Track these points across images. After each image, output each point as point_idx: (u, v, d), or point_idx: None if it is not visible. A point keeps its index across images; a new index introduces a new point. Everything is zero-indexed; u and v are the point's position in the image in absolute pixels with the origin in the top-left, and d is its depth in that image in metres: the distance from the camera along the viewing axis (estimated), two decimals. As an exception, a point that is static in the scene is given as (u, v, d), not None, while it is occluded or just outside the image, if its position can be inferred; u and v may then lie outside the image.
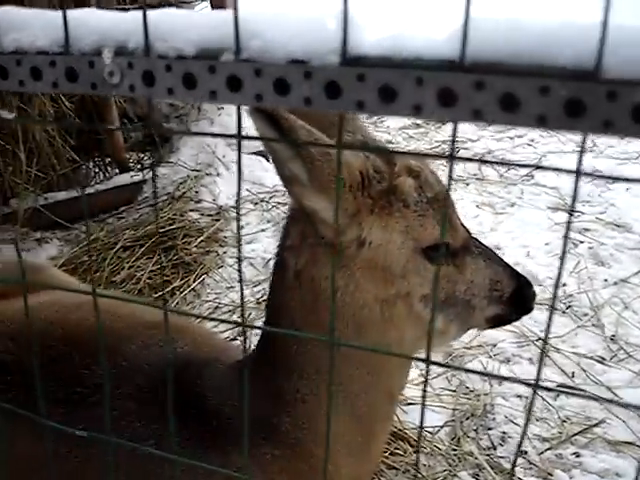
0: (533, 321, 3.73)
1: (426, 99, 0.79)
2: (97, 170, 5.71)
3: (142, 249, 4.79)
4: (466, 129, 6.65)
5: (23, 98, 4.73)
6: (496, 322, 1.86)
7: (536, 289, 3.73)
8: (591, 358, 3.45)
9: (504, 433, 3.04)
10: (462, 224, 1.82)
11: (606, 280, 4.05)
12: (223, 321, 1.08)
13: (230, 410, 1.87)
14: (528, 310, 1.92)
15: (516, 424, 3.07)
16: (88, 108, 5.36)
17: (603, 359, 3.44)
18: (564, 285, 4.02)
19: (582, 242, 4.44)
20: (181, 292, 4.34)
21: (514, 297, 1.84)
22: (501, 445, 2.98)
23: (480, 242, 1.88)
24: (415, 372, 3.40)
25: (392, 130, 6.85)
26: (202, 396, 1.90)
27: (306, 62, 0.86)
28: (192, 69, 0.93)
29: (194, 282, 4.46)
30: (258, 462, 1.84)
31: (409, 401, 3.21)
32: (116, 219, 5.31)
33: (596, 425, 3.05)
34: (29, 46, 1.07)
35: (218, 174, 5.45)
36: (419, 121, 7.02)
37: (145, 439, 1.83)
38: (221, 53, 0.92)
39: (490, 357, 3.49)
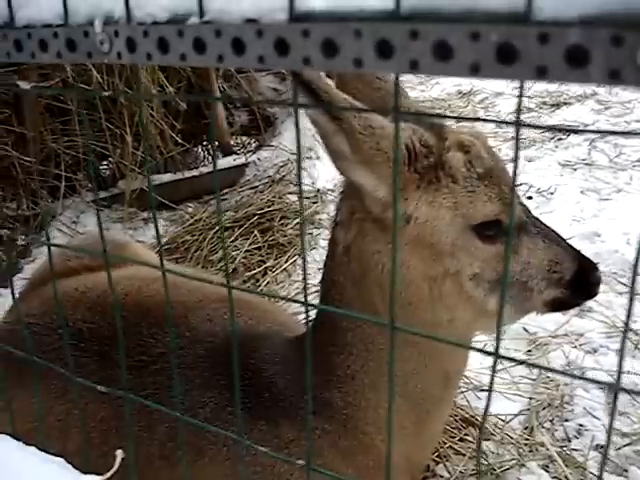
0: (625, 311, 3.53)
1: (365, 52, 0.77)
2: (202, 153, 5.88)
3: (240, 230, 4.90)
4: (583, 113, 6.39)
5: (129, 81, 4.92)
6: (556, 306, 1.77)
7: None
8: (686, 352, 3.25)
9: (581, 426, 2.92)
10: (520, 202, 1.76)
11: None
12: (287, 299, 1.10)
13: (284, 382, 1.91)
14: (591, 295, 1.81)
15: (595, 417, 2.94)
16: (191, 92, 5.52)
17: (700, 353, 3.23)
18: (666, 275, 3.78)
19: (690, 230, 4.17)
20: (273, 272, 4.42)
21: (575, 280, 1.73)
22: (576, 438, 2.86)
23: (542, 222, 1.80)
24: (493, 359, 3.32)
25: (503, 114, 6.67)
26: (258, 368, 1.94)
27: (257, 20, 0.86)
28: (164, 33, 0.96)
29: (286, 262, 4.52)
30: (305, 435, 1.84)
31: (484, 387, 3.14)
32: (220, 201, 5.44)
33: (683, 422, 2.87)
34: (37, 20, 1.13)
35: (318, 157, 5.49)
36: (531, 104, 6.80)
37: (202, 407, 1.90)
38: (188, 17, 0.94)
39: (575, 347, 3.35)
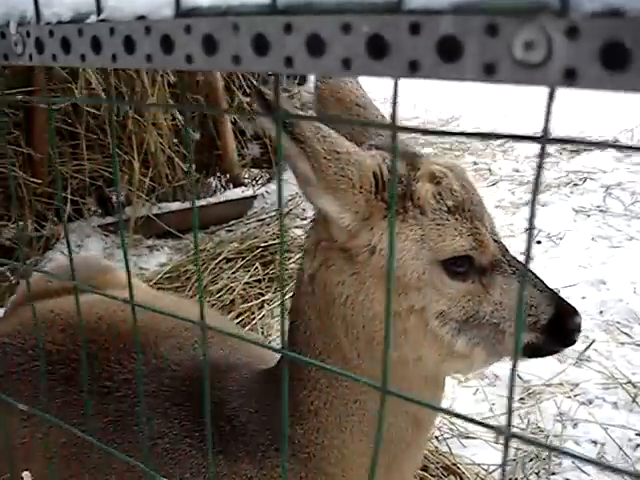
0: (626, 361, 3.40)
1: (243, 48, 0.72)
2: (215, 184, 5.87)
3: (243, 262, 4.85)
4: (602, 160, 6.27)
5: (136, 110, 4.93)
6: (530, 352, 1.65)
7: (636, 328, 3.47)
8: (686, 408, 3.08)
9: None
10: (497, 239, 1.67)
11: None
12: (262, 345, 1.02)
13: (246, 416, 1.84)
14: (569, 342, 1.68)
15: (584, 472, 2.79)
16: (206, 124, 5.53)
17: (700, 410, 3.07)
18: (673, 326, 3.65)
19: None
20: (270, 305, 4.34)
21: (552, 325, 1.63)
22: (566, 489, 2.72)
23: (520, 262, 1.71)
24: (485, 406, 3.19)
25: (521, 158, 6.57)
26: (221, 400, 1.87)
27: (146, 17, 0.82)
28: (67, 33, 0.93)
29: (285, 296, 4.43)
30: (269, 474, 1.80)
31: (470, 435, 3.00)
32: (225, 231, 5.42)
33: (676, 482, 2.70)
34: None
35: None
36: (551, 150, 6.70)
37: (161, 437, 1.84)
38: (89, 15, 0.91)
39: (569, 397, 3.20)
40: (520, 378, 3.35)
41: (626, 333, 3.62)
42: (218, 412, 1.85)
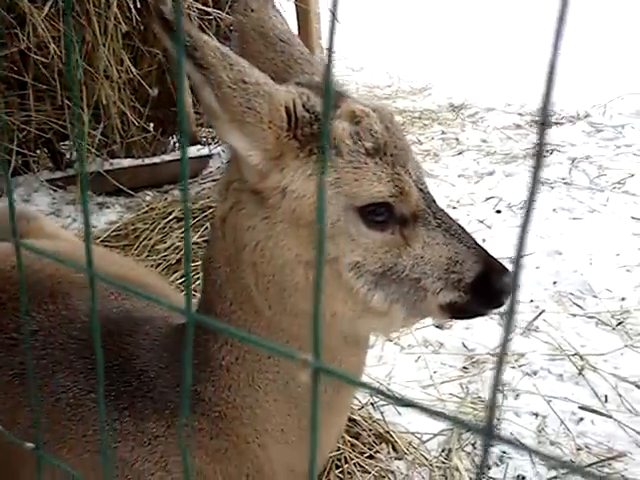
0: (575, 334, 3.29)
1: None
2: (172, 142, 5.66)
3: (193, 221, 4.69)
4: (573, 134, 6.14)
5: (90, 57, 4.71)
6: (454, 312, 1.54)
7: (589, 300, 3.34)
8: (633, 383, 2.96)
9: (504, 453, 2.65)
10: (422, 189, 1.53)
11: (676, 299, 3.53)
12: (170, 307, 0.87)
13: (156, 372, 1.72)
14: (496, 304, 1.56)
15: (522, 444, 2.67)
16: (164, 79, 5.31)
17: (647, 385, 2.96)
18: (622, 299, 3.52)
19: (660, 255, 3.91)
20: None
21: (478, 284, 1.50)
22: (497, 465, 2.60)
23: (448, 216, 1.56)
24: (425, 374, 3.06)
25: (490, 129, 6.42)
26: (130, 354, 1.77)
27: None
28: None
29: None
30: (177, 433, 1.67)
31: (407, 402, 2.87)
32: (179, 190, 5.24)
33: (615, 458, 2.59)
34: None
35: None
36: (521, 122, 6.56)
37: (65, 391, 1.73)
38: None
39: (514, 367, 3.08)
40: (464, 346, 3.23)
41: (578, 305, 3.50)
42: (127, 367, 1.73)
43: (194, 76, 1.33)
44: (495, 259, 1.55)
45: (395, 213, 1.47)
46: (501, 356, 0.54)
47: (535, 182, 0.47)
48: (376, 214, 1.45)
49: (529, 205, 0.48)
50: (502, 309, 1.59)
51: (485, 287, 1.51)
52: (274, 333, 1.58)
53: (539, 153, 0.47)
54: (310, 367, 0.56)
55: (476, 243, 1.55)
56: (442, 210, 1.56)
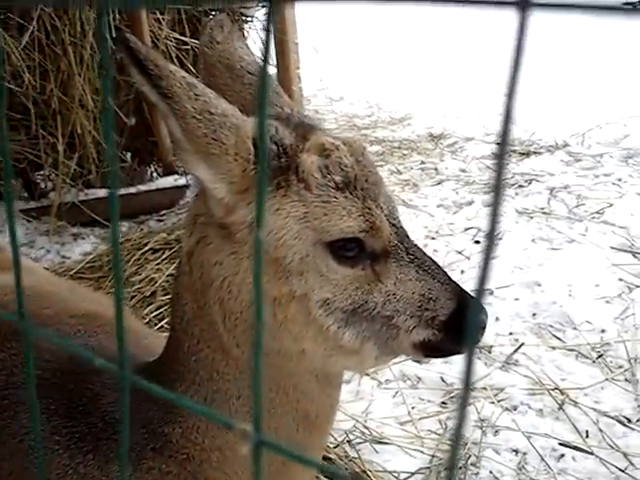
0: (555, 367, 3.23)
1: None
2: (150, 172, 5.61)
3: (169, 253, 4.62)
4: (551, 163, 6.14)
5: (66, 88, 4.66)
6: (428, 350, 1.49)
7: (568, 332, 3.30)
8: (614, 418, 2.91)
9: (484, 491, 2.58)
10: (395, 224, 1.48)
11: (654, 331, 3.49)
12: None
13: (120, 413, 1.65)
14: (470, 342, 1.51)
15: (501, 482, 2.61)
16: (142, 108, 5.27)
17: (629, 420, 2.90)
18: (602, 331, 3.48)
19: (638, 287, 3.87)
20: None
21: (452, 321, 1.46)
22: (477, 503, 2.53)
23: (421, 251, 1.51)
24: (403, 409, 2.99)
25: (469, 159, 6.41)
26: (95, 394, 1.69)
27: None
28: None
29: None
30: (143, 477, 1.60)
31: (384, 440, 2.80)
32: (155, 221, 5.18)
33: (597, 496, 2.53)
34: None
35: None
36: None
37: (27, 433, 1.66)
38: None
39: (493, 402, 3.02)
40: (443, 381, 3.17)
41: (558, 337, 3.46)
42: (92, 407, 1.66)
43: (160, 105, 1.29)
44: (470, 295, 1.50)
45: (366, 248, 1.42)
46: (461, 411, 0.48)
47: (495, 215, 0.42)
48: (346, 249, 1.40)
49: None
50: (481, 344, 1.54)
51: (460, 325, 1.46)
52: (243, 373, 1.52)
53: (497, 184, 0.42)
54: (251, 441, 0.50)
55: (450, 279, 1.51)
56: (415, 245, 1.51)
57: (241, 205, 1.39)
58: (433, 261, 1.51)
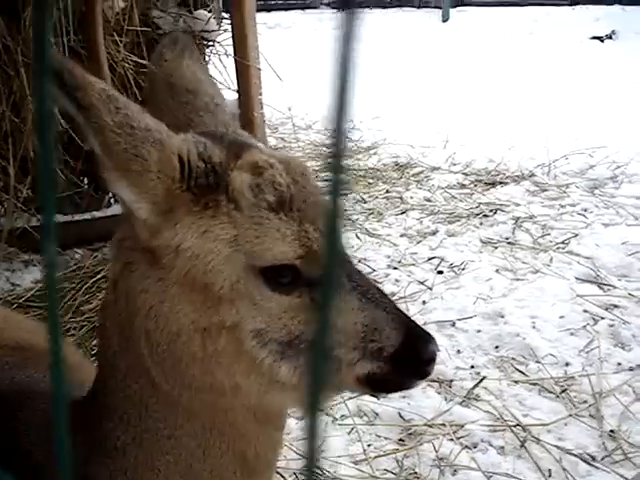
0: (517, 402, 3.11)
1: None
2: (102, 197, 5.44)
3: (120, 282, 4.46)
4: (517, 193, 6.08)
5: (18, 109, 4.51)
6: (372, 384, 1.37)
7: (531, 366, 3.18)
8: (578, 456, 2.79)
9: (441, 535, 2.43)
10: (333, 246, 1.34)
11: (619, 364, 3.38)
12: None
13: (45, 452, 1.50)
14: (421, 375, 1.41)
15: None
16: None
17: (593, 458, 2.78)
18: (567, 365, 3.37)
19: (603, 319, 3.77)
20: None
21: (399, 354, 1.34)
22: None
23: (365, 278, 1.39)
24: (358, 447, 2.84)
25: (434, 188, 6.33)
26: (19, 432, 1.57)
27: None
28: None
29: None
30: None
31: (338, 480, 2.65)
32: (110, 248, 5.01)
33: (559, 540, 2.39)
34: None
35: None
36: (466, 182, 6.49)
37: None
38: None
39: (452, 440, 2.88)
40: (401, 417, 3.02)
41: (520, 371, 3.34)
42: (15, 446, 1.53)
43: (77, 119, 1.19)
44: (418, 325, 1.40)
45: (302, 275, 1.30)
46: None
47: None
48: (281, 276, 1.29)
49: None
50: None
51: (408, 357, 1.35)
52: (174, 410, 1.39)
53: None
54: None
55: (397, 308, 1.39)
56: (360, 272, 1.39)
57: (166, 227, 1.28)
58: (378, 289, 1.40)
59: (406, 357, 1.34)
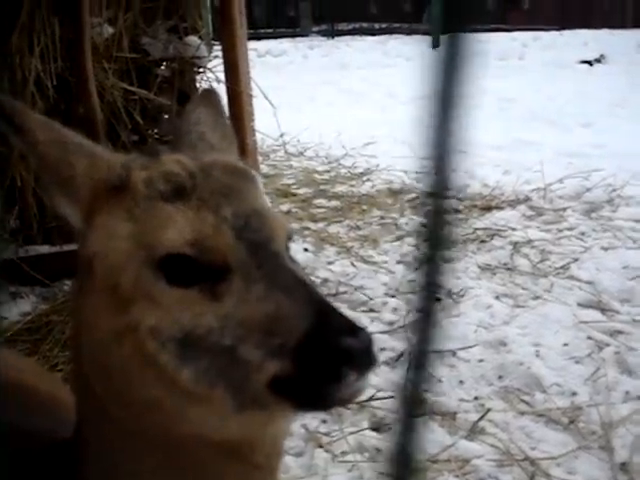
0: (524, 434, 2.99)
1: None
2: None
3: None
4: (513, 218, 6.01)
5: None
6: (282, 392, 1.12)
7: (537, 396, 3.07)
8: (589, 490, 2.67)
9: None
10: (249, 237, 1.20)
11: (628, 393, 3.27)
12: None
13: None
14: (329, 375, 1.08)
15: None
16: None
17: (605, 493, 2.66)
18: (573, 394, 3.26)
19: (608, 345, 3.67)
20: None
21: (303, 347, 1.09)
22: None
23: (287, 269, 1.20)
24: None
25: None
26: None
27: None
28: None
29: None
30: None
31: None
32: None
33: None
34: None
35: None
36: (461, 207, 6.41)
37: None
38: None
39: (458, 476, 2.76)
40: (404, 452, 2.89)
41: (526, 401, 3.22)
42: None
43: (14, 141, 1.28)
44: (335, 312, 1.14)
45: (202, 265, 1.17)
46: None
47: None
48: (178, 268, 1.17)
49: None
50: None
51: (313, 351, 1.08)
52: (130, 439, 1.27)
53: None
54: None
55: (314, 295, 1.17)
56: (278, 261, 1.20)
57: (89, 232, 1.24)
58: (298, 278, 1.19)
59: (311, 351, 1.09)
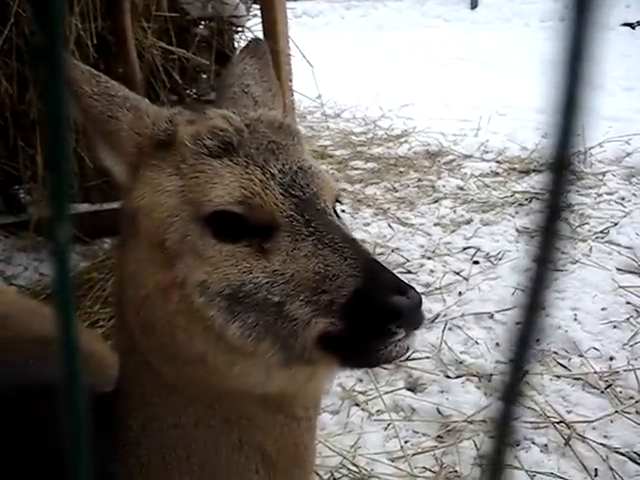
0: (561, 397, 2.99)
1: None
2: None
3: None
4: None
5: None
6: (331, 348, 1.15)
7: (574, 360, 3.06)
8: (624, 454, 2.66)
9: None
10: (295, 193, 1.21)
11: (666, 358, 3.25)
12: None
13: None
14: (379, 333, 1.11)
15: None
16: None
17: (641, 457, 2.66)
18: (611, 359, 3.24)
19: (647, 311, 3.64)
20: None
21: (352, 305, 1.11)
22: None
23: (334, 225, 1.21)
24: (395, 444, 2.75)
25: (467, 176, 6.19)
26: (49, 433, 1.45)
27: None
28: None
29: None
30: None
31: (374, 478, 2.55)
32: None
33: None
34: None
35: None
36: (499, 170, 6.35)
37: None
38: None
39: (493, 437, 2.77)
40: (439, 412, 2.92)
41: (563, 365, 3.22)
42: (44, 445, 1.42)
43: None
44: (384, 270, 1.17)
45: (250, 222, 1.19)
46: None
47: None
48: (226, 224, 1.19)
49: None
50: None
51: (363, 308, 1.11)
52: (170, 392, 1.31)
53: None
54: None
55: (362, 253, 1.19)
56: (326, 218, 1.21)
57: (134, 187, 1.26)
58: (346, 235, 1.21)
59: (360, 309, 1.11)
